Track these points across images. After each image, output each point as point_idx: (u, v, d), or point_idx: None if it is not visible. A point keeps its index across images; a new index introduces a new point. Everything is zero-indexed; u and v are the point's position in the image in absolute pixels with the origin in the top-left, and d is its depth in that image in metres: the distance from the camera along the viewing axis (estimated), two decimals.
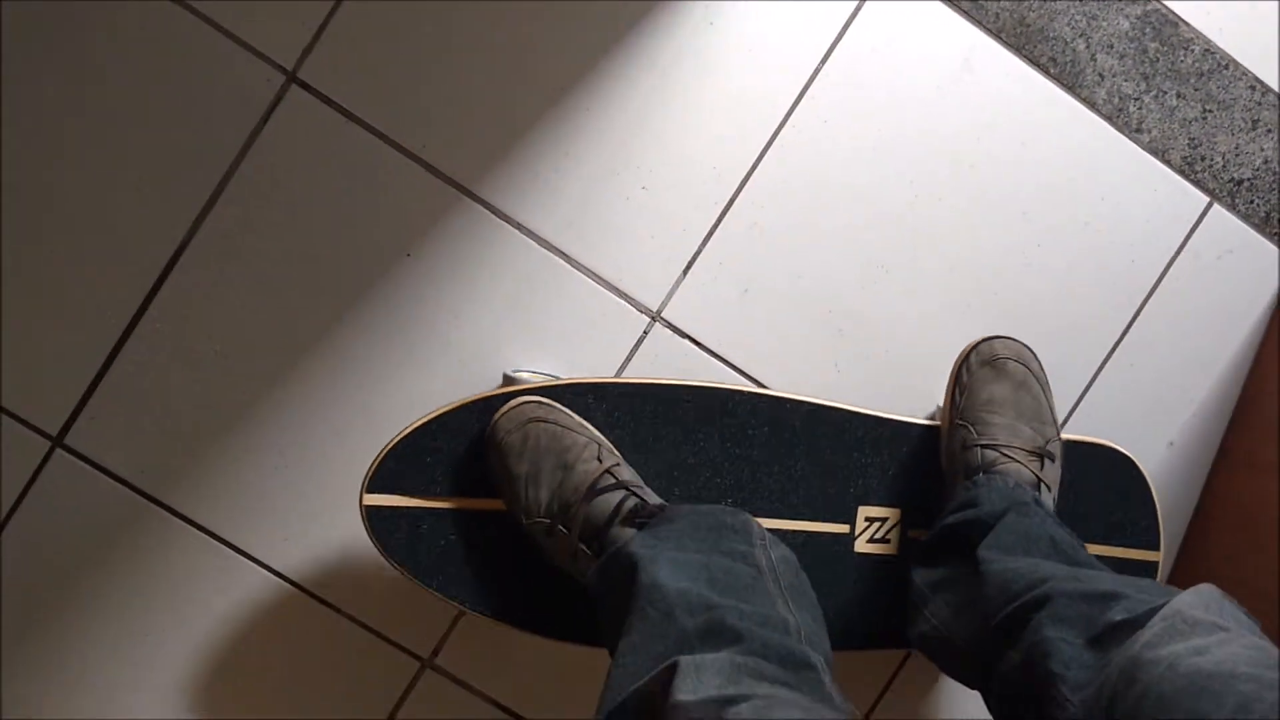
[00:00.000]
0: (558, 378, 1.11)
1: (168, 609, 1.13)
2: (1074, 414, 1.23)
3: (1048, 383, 1.11)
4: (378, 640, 1.16)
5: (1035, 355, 1.11)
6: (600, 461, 0.97)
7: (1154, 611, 0.75)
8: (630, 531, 0.92)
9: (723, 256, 1.16)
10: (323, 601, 1.15)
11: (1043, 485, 1.03)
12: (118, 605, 1.12)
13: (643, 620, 0.78)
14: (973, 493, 1.02)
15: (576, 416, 1.02)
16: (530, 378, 1.09)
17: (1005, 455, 1.03)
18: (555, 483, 0.96)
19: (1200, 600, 0.75)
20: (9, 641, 1.11)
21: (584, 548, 0.94)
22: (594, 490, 0.94)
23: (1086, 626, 0.79)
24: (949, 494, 1.08)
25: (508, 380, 1.11)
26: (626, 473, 0.98)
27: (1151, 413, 1.25)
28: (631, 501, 0.94)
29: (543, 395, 1.01)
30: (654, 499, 0.97)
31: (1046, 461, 1.05)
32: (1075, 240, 1.21)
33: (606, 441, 1.02)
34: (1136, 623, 0.76)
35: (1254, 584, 1.17)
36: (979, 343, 1.11)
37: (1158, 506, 1.17)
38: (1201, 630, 0.71)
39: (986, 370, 1.09)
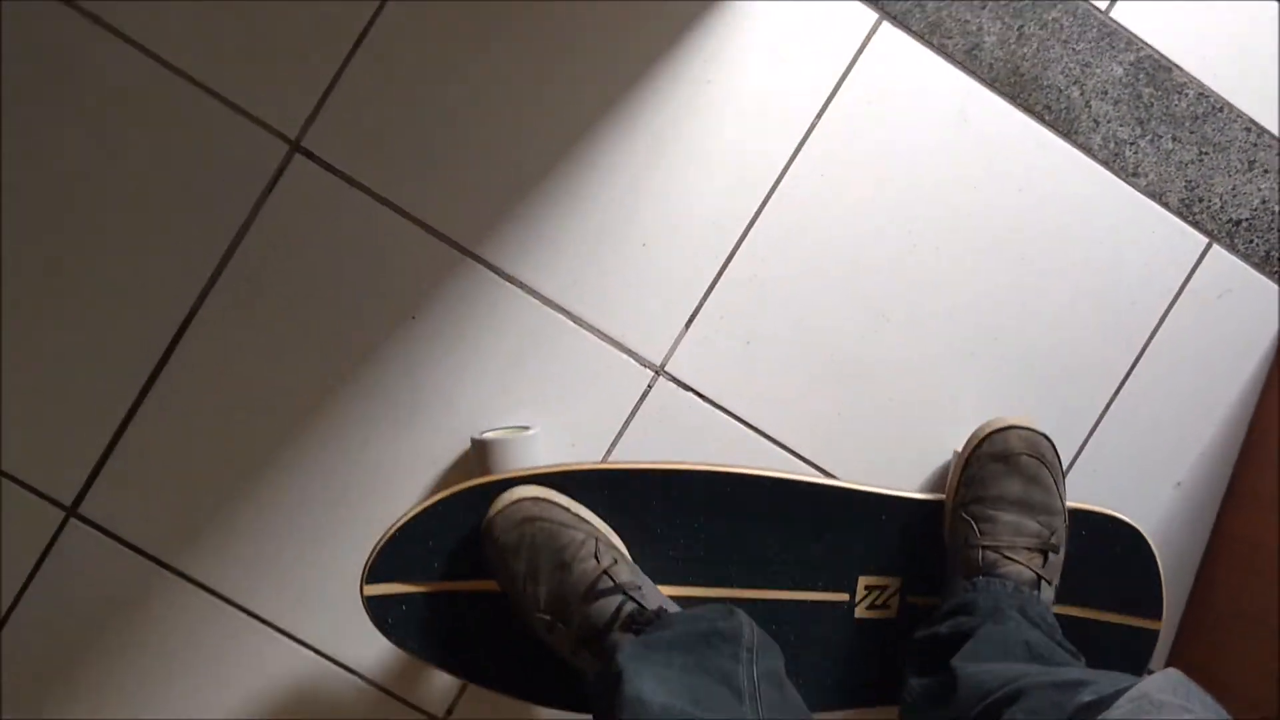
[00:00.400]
0: (527, 428, 1.12)
1: (183, 674, 1.14)
2: (1079, 457, 1.23)
3: (1060, 468, 1.10)
4: (392, 700, 1.16)
5: (1051, 443, 1.10)
6: (598, 561, 0.97)
7: (1121, 693, 0.76)
8: (629, 637, 0.92)
9: (724, 309, 1.17)
10: (336, 663, 1.15)
11: (1043, 582, 1.04)
12: (132, 671, 1.14)
13: None
14: (969, 597, 1.02)
15: (572, 507, 1.02)
16: (497, 437, 1.10)
17: (1007, 557, 1.04)
18: (554, 582, 0.97)
19: (1168, 684, 0.76)
20: (26, 711, 1.12)
21: (583, 647, 0.95)
22: (592, 593, 0.95)
23: (1057, 713, 0.80)
24: (948, 580, 1.09)
25: (476, 445, 1.11)
26: (625, 573, 0.98)
27: (1158, 454, 1.25)
28: (630, 607, 0.95)
29: (538, 485, 1.02)
30: (653, 601, 0.98)
31: (1050, 555, 1.05)
32: (1075, 284, 1.21)
33: (605, 530, 1.03)
34: (1104, 703, 0.76)
35: (1262, 619, 1.17)
36: (993, 432, 1.10)
37: (1162, 576, 1.17)
38: (1167, 711, 0.72)
39: (999, 466, 1.08)
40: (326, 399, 1.13)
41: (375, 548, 1.00)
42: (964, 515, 1.08)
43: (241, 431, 1.13)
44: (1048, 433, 1.11)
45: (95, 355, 1.11)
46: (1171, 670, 0.79)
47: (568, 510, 1.01)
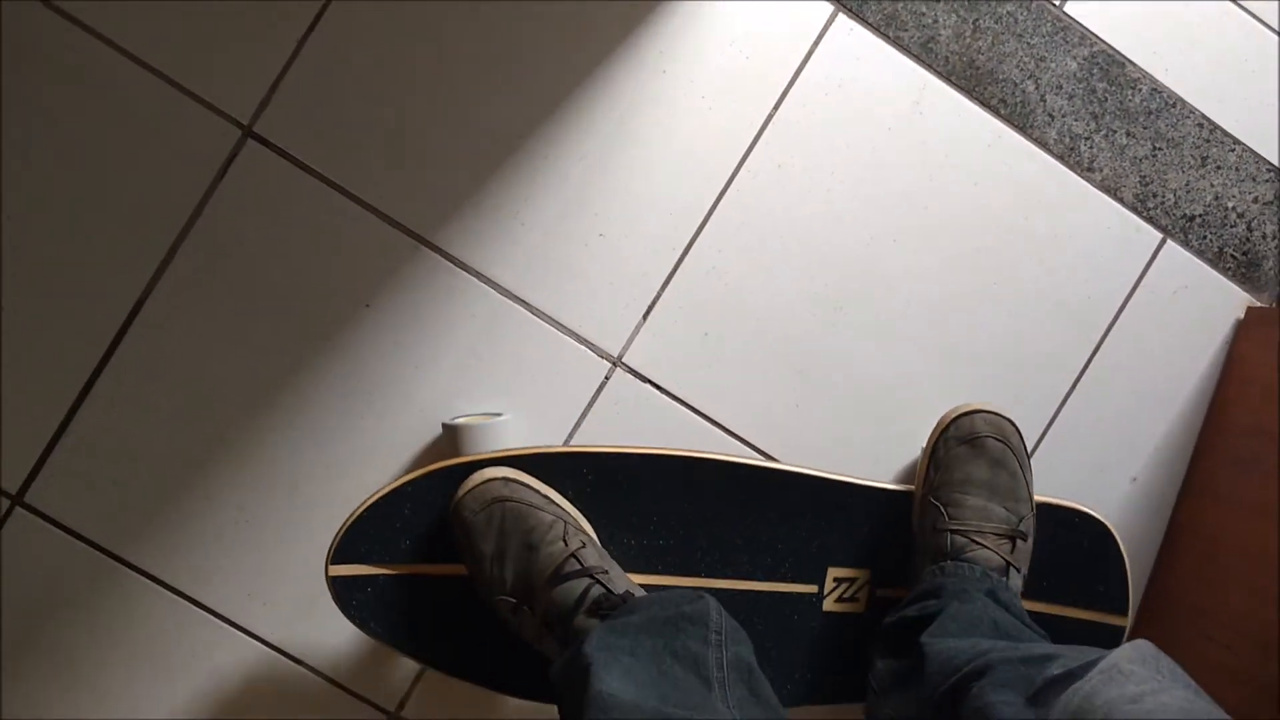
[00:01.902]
0: (498, 414, 1.12)
1: (130, 667, 1.12)
2: (1036, 451, 1.23)
3: (1027, 455, 1.10)
4: (343, 694, 1.15)
5: (1016, 428, 1.10)
6: (566, 544, 0.96)
7: (1091, 665, 0.76)
8: (594, 622, 0.91)
9: (682, 301, 1.17)
10: (286, 655, 1.14)
11: (1011, 569, 1.03)
12: (79, 662, 1.11)
13: None
14: (937, 581, 1.02)
15: (543, 490, 1.01)
16: (469, 422, 1.09)
17: (975, 541, 1.04)
18: (521, 563, 0.96)
19: (1138, 654, 0.76)
20: None
21: (548, 631, 0.94)
22: (559, 576, 0.94)
23: (1026, 686, 0.80)
24: (916, 567, 1.09)
25: (447, 430, 1.10)
26: (592, 556, 0.97)
27: (1114, 448, 1.25)
28: (596, 591, 0.93)
29: (509, 467, 1.01)
30: (620, 585, 0.96)
31: (1018, 542, 1.05)
32: (1031, 278, 1.22)
33: (574, 514, 1.02)
34: (1074, 675, 0.76)
35: (1218, 616, 1.17)
36: (959, 416, 1.10)
37: (1129, 573, 1.17)
38: (1135, 680, 0.72)
39: (964, 449, 1.09)
40: (279, 388, 1.12)
41: (342, 528, 0.99)
42: (931, 500, 1.08)
43: (193, 420, 1.11)
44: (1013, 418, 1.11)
45: (43, 341, 1.09)
46: (1141, 641, 0.79)
47: (538, 492, 1.00)
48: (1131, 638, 1.26)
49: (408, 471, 1.07)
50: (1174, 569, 1.26)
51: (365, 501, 1.00)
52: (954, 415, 1.11)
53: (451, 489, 1.00)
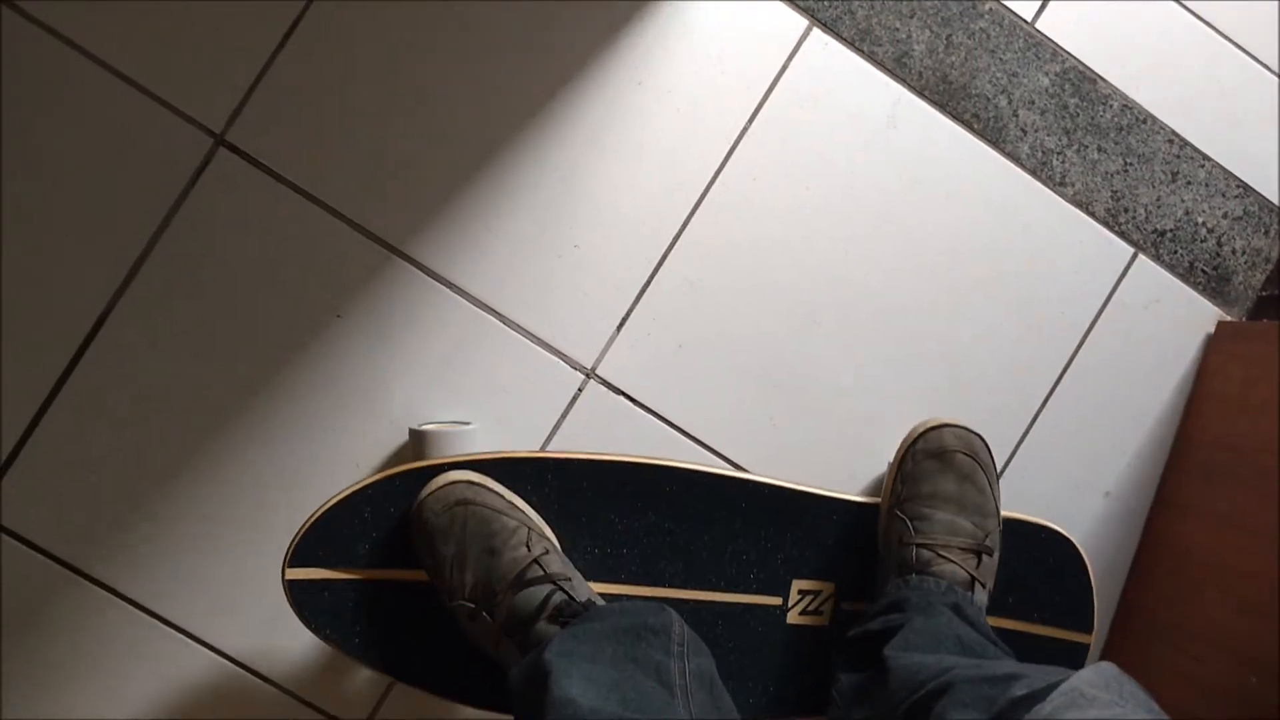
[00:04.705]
0: (466, 424, 1.10)
1: (93, 683, 1.10)
2: (1009, 466, 1.23)
3: (995, 470, 1.10)
4: (309, 710, 1.13)
5: (985, 444, 1.10)
6: (529, 549, 0.95)
7: (1054, 687, 0.75)
8: (555, 629, 0.90)
9: (656, 313, 1.17)
10: (252, 671, 1.12)
11: (976, 584, 1.03)
12: (42, 680, 1.09)
13: None
14: (902, 594, 1.02)
15: (507, 495, 1.00)
16: (437, 429, 1.08)
17: (941, 555, 1.03)
18: (481, 568, 0.95)
19: (1100, 678, 0.76)
20: None
21: (507, 638, 0.93)
22: (521, 581, 0.93)
23: (988, 706, 0.79)
24: (881, 581, 1.08)
25: (414, 435, 1.09)
26: (555, 563, 0.96)
27: (1087, 462, 1.25)
28: (558, 597, 0.93)
29: (473, 471, 1.00)
30: (582, 593, 0.96)
31: (984, 557, 1.04)
32: (1004, 292, 1.22)
33: (538, 522, 1.01)
34: (1036, 697, 0.76)
35: (1191, 628, 1.18)
36: (928, 429, 1.10)
37: (1094, 591, 1.17)
38: (1098, 706, 0.71)
39: (932, 463, 1.08)
40: (248, 398, 1.11)
41: (300, 530, 0.97)
42: (898, 513, 1.07)
43: (159, 431, 1.10)
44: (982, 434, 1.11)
45: (6, 350, 1.07)
46: (1104, 664, 0.78)
47: (501, 497, 0.99)
48: (1104, 652, 1.27)
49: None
50: (1146, 582, 1.26)
51: (325, 504, 0.98)
52: (923, 429, 1.11)
53: (414, 493, 0.99)
